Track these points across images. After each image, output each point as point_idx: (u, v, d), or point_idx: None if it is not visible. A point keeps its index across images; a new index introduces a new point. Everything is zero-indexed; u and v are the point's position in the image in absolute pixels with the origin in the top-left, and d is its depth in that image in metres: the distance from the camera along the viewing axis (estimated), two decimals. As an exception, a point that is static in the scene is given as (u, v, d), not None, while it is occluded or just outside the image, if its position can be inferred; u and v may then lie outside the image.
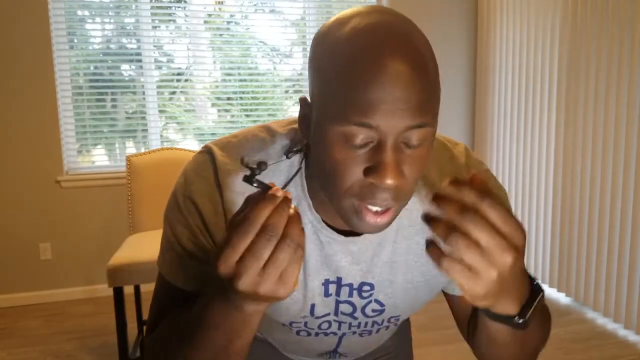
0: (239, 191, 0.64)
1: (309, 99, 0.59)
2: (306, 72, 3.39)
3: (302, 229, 0.47)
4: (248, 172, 0.48)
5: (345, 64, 0.50)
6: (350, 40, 0.50)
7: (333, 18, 0.55)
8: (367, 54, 0.49)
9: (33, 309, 2.95)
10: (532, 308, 0.53)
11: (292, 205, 0.48)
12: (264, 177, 0.64)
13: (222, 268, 0.47)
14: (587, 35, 2.60)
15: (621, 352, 2.29)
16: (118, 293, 1.92)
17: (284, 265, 0.46)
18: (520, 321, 0.53)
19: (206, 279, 0.64)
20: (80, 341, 2.51)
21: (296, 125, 0.68)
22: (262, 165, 0.48)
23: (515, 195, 3.24)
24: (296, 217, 0.47)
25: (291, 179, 0.63)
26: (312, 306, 0.70)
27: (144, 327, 2.35)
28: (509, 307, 0.52)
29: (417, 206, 0.67)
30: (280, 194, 0.47)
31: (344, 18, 0.53)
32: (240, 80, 3.33)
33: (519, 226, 0.45)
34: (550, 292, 2.95)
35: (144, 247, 2.06)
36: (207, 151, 0.66)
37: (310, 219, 0.65)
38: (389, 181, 0.51)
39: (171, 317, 0.66)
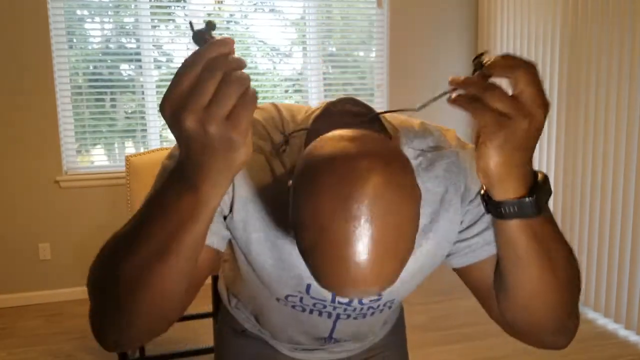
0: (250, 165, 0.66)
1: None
2: (306, 72, 3.41)
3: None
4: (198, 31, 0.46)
5: (310, 245, 0.50)
6: (317, 216, 0.49)
7: (316, 151, 0.52)
8: (328, 245, 0.48)
9: (33, 309, 2.95)
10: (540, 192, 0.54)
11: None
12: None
13: (167, 105, 0.45)
14: (588, 35, 2.59)
15: (622, 352, 2.28)
16: (117, 293, 1.91)
17: (230, 103, 0.44)
18: (532, 197, 0.53)
19: None
20: (80, 341, 2.51)
21: (305, 116, 0.71)
22: (211, 25, 0.46)
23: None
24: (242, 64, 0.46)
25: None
26: (308, 286, 0.71)
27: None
28: (517, 187, 0.53)
29: None
30: (229, 40, 0.45)
31: (320, 167, 0.50)
32: (240, 80, 3.32)
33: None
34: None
35: (143, 247, 2.05)
36: None
37: None
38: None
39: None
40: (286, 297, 0.74)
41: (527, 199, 0.54)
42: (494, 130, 0.49)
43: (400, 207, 0.49)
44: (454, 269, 0.75)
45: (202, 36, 0.46)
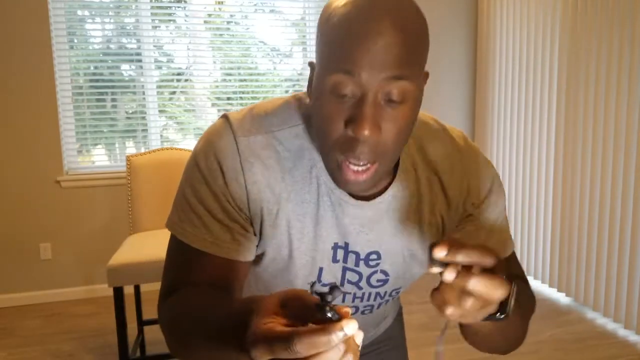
0: (256, 151, 0.67)
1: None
2: (306, 72, 3.41)
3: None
4: (318, 299, 0.43)
5: (338, 24, 0.57)
6: (345, 5, 0.58)
7: None
8: (356, 14, 0.56)
9: (33, 309, 2.95)
10: (511, 305, 0.57)
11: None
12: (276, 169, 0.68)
13: (258, 342, 0.42)
14: (588, 31, 2.60)
15: (621, 352, 2.29)
16: (118, 293, 1.92)
17: None
18: (502, 317, 0.56)
19: (224, 241, 0.67)
20: (80, 341, 2.51)
21: (298, 94, 0.74)
22: (335, 292, 0.43)
23: (515, 195, 3.24)
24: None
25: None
26: (320, 270, 0.73)
27: (143, 328, 2.35)
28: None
29: (419, 173, 0.72)
30: (350, 330, 0.40)
31: None
32: (240, 80, 3.33)
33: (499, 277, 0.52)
34: (551, 292, 2.95)
35: (144, 247, 2.06)
36: (224, 117, 0.71)
37: (325, 180, 0.69)
38: (365, 132, 0.56)
39: (192, 299, 0.64)
40: None
41: (498, 316, 0.56)
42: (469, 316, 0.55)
43: (418, 15, 0.59)
44: None
45: (323, 308, 0.42)
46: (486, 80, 3.47)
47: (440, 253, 0.50)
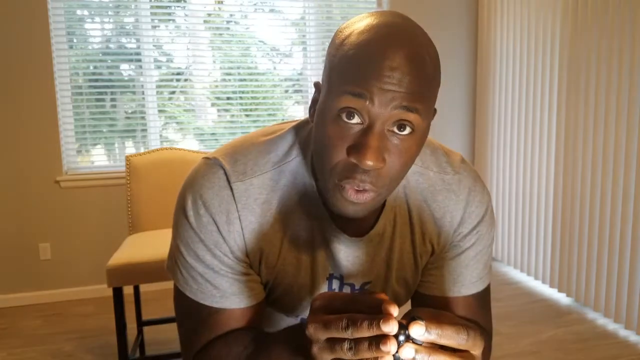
0: (253, 196, 0.66)
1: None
2: (306, 72, 3.41)
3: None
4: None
5: (353, 48, 0.56)
6: (360, 33, 0.56)
7: (353, 18, 0.61)
8: (373, 41, 0.55)
9: (33, 309, 2.95)
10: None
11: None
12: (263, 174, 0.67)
13: (310, 327, 0.49)
14: (588, 34, 2.59)
15: (622, 352, 2.28)
16: (118, 293, 1.92)
17: None
18: None
19: (233, 294, 0.68)
20: (80, 341, 2.51)
21: (295, 123, 0.72)
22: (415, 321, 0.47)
23: (515, 195, 3.23)
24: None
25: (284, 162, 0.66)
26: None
27: (143, 328, 2.35)
28: None
29: (410, 202, 0.71)
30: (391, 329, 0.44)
31: (360, 17, 0.60)
32: (240, 80, 3.32)
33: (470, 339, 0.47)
34: (551, 293, 2.94)
35: (143, 247, 2.05)
36: (214, 163, 0.68)
37: (318, 215, 0.68)
38: (368, 162, 0.54)
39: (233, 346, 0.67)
40: (298, 316, 0.77)
41: None
42: None
43: (434, 53, 0.58)
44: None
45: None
46: (486, 82, 3.46)
47: (418, 331, 0.45)
